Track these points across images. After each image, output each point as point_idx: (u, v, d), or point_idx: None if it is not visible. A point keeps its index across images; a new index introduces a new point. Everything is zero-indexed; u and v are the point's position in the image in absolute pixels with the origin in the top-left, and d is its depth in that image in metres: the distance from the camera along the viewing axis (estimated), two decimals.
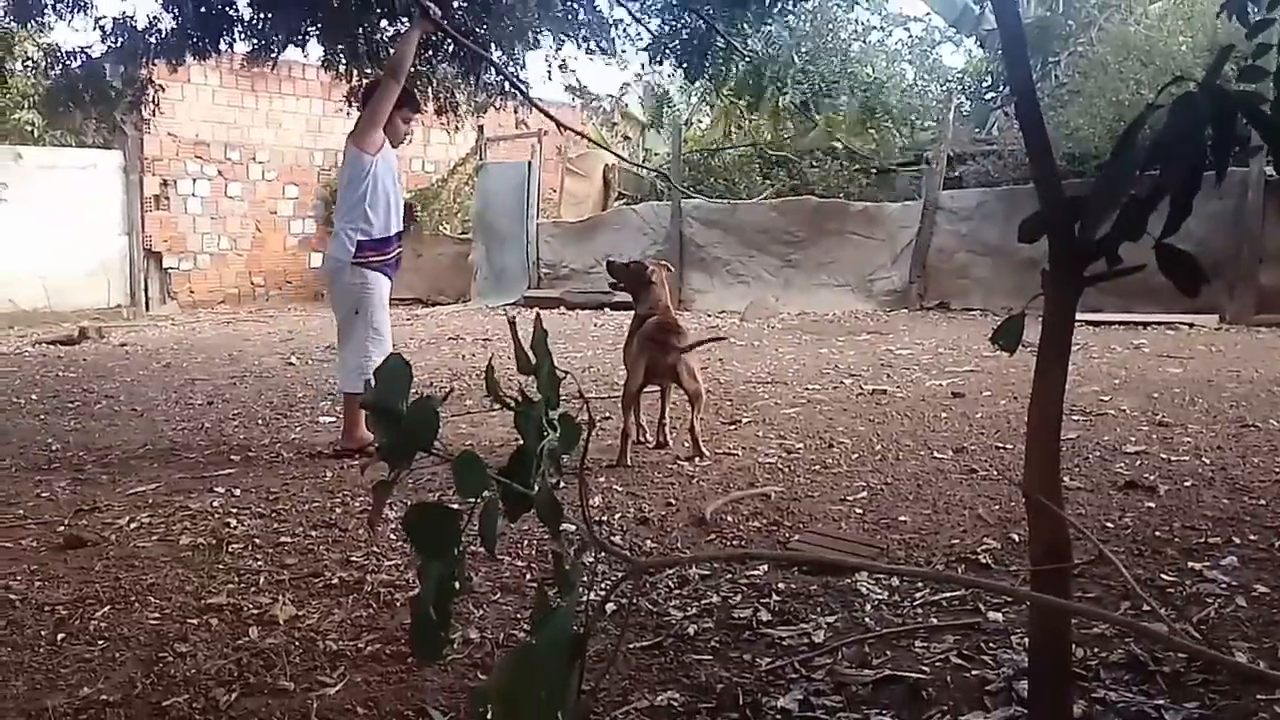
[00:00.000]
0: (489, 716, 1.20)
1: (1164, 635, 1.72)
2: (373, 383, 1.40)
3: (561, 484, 1.44)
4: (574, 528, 3.27)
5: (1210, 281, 1.71)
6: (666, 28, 7.32)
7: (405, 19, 5.86)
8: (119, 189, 14.14)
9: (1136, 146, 1.68)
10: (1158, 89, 1.65)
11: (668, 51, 7.22)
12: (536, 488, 1.35)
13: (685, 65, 7.37)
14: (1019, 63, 1.98)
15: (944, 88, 14.59)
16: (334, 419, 5.46)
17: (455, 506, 1.32)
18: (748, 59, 7.34)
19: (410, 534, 1.39)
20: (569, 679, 1.21)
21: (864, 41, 14.56)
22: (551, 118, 6.61)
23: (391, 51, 5.94)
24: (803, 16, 8.28)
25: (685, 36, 7.28)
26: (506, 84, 7.58)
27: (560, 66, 8.56)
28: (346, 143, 4.88)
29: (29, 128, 13.29)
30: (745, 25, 7.19)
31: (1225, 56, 1.61)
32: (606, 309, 12.37)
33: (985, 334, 8.17)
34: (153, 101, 8.32)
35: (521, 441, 1.39)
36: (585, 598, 2.31)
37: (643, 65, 14.48)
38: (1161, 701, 2.11)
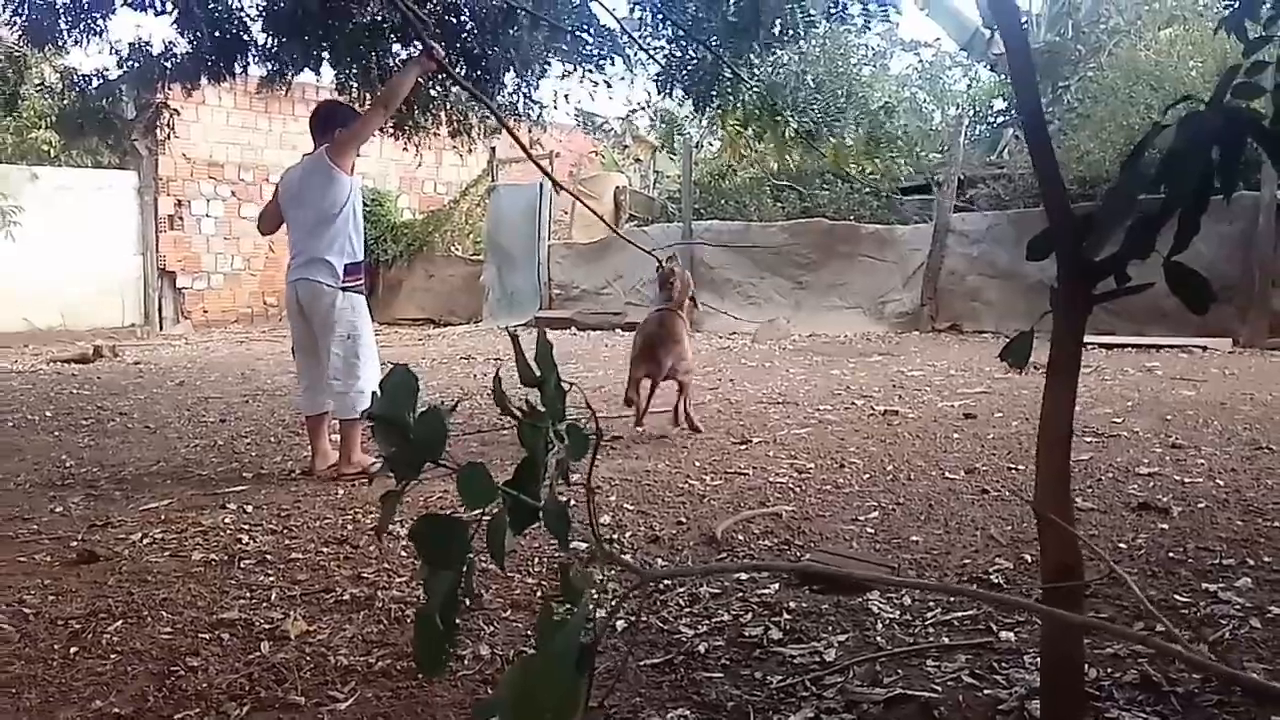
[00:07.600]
0: None
1: (1177, 650, 1.71)
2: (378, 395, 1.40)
3: (572, 502, 1.44)
4: (584, 545, 3.28)
5: (1218, 300, 1.71)
6: (673, 58, 7.26)
7: (417, 44, 5.85)
8: (134, 209, 14.28)
9: (1144, 165, 1.69)
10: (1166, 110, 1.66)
11: (675, 81, 7.18)
12: (544, 499, 1.35)
13: (694, 95, 7.34)
14: (1027, 84, 1.99)
15: (955, 112, 14.65)
16: None
17: (464, 518, 1.32)
18: (755, 88, 7.29)
19: (418, 545, 1.39)
20: (577, 690, 1.20)
21: (874, 66, 14.65)
22: (532, 158, 6.14)
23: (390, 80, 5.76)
24: (813, 42, 8.22)
25: (693, 66, 7.22)
26: (519, 106, 7.61)
27: (564, 97, 8.61)
28: (317, 163, 4.75)
29: (46, 147, 13.41)
30: (752, 56, 7.15)
31: (1233, 76, 1.62)
32: (618, 330, 12.40)
33: (997, 356, 8.22)
34: (167, 125, 8.42)
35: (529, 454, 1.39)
36: (594, 612, 2.31)
37: (648, 93, 14.50)
38: None
